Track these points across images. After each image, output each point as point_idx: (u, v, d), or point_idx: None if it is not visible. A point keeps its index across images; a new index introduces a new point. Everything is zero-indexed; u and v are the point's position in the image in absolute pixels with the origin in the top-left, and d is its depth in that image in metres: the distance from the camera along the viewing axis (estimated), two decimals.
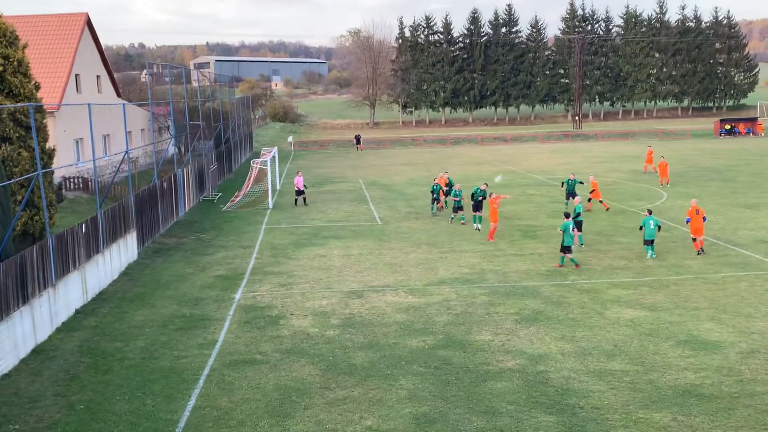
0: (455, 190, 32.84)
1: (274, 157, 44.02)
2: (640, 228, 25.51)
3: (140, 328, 18.72)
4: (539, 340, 17.21)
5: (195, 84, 56.27)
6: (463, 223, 31.81)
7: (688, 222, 25.95)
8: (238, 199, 39.32)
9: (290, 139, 79.31)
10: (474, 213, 30.48)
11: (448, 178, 36.49)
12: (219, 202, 39.97)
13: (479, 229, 29.85)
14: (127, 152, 27.19)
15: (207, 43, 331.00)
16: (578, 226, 26.61)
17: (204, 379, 15.31)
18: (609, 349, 16.52)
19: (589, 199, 34.42)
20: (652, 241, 24.95)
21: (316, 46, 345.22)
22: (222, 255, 27.06)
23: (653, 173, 45.67)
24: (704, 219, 25.59)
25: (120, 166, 29.09)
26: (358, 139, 76.38)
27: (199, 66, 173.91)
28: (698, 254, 25.08)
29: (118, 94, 52.57)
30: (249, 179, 41.27)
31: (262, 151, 46.84)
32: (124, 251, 24.83)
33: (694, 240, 25.47)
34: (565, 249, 23.92)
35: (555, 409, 13.58)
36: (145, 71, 79.86)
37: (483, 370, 15.51)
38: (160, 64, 61.73)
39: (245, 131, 68.99)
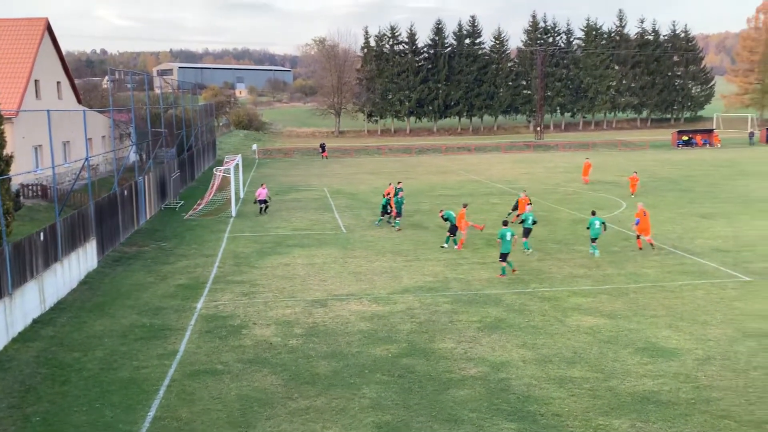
0: (398, 198, 34.16)
1: (237, 165, 43.71)
2: (587, 228, 27.48)
3: (99, 338, 18.41)
4: (501, 348, 17.37)
5: (157, 91, 55.69)
6: (398, 229, 32.71)
7: (637, 223, 28.22)
8: (200, 207, 38.95)
9: (254, 146, 78.86)
10: (448, 234, 29.15)
11: (396, 188, 36.40)
12: (181, 210, 39.54)
13: (444, 247, 29.15)
14: (87, 159, 26.77)
15: (170, 49, 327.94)
16: (526, 232, 27.94)
17: (164, 389, 15.12)
18: (569, 356, 16.74)
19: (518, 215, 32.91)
20: (597, 239, 27.27)
21: (281, 54, 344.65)
22: (183, 264, 26.77)
23: (605, 183, 46.42)
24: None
25: (80, 173, 28.64)
26: (323, 147, 76.39)
27: (162, 73, 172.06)
28: (650, 248, 27.59)
29: (79, 101, 51.73)
30: (212, 187, 40.92)
31: (225, 159, 46.50)
32: (83, 260, 24.41)
33: (638, 237, 28.22)
34: (503, 256, 24.20)
35: (516, 416, 13.71)
36: (106, 78, 78.74)
37: (446, 378, 15.59)
38: (122, 71, 61.04)
39: (208, 139, 68.39)
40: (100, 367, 16.47)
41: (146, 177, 36.37)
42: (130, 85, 41.49)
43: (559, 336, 18.18)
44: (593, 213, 28.14)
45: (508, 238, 24.11)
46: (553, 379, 15.45)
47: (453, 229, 29.02)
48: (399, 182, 38.59)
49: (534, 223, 28.15)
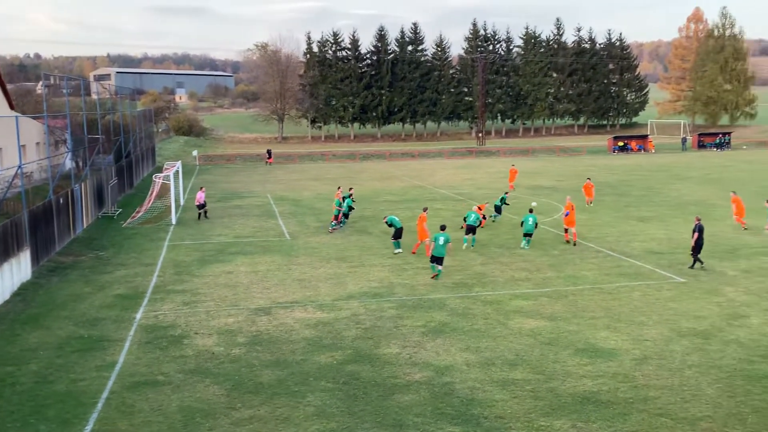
0: (349, 200, 35.68)
1: (177, 171, 42.98)
2: (521, 224, 29.98)
3: (34, 351, 17.81)
4: (445, 352, 17.50)
5: (95, 96, 54.35)
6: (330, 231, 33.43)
7: (566, 215, 30.38)
8: (139, 214, 38.12)
9: (195, 153, 77.66)
10: (394, 239, 29.35)
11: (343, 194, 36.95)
12: (119, 218, 38.63)
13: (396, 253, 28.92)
14: (20, 166, 25.91)
15: (108, 54, 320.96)
16: (473, 230, 29.98)
17: (102, 402, 14.72)
18: (511, 359, 16.99)
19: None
20: (530, 234, 29.59)
21: (222, 59, 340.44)
22: (122, 273, 26.14)
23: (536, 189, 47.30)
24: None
25: (12, 181, 27.69)
26: (269, 153, 76.25)
27: (100, 78, 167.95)
28: (572, 244, 29.88)
29: (11, 106, 50.03)
30: (151, 194, 40.10)
31: (165, 166, 45.65)
32: (16, 270, 23.57)
33: (566, 231, 30.47)
34: (435, 259, 24.53)
35: (460, 419, 13.83)
36: (41, 83, 76.45)
37: (390, 383, 15.63)
38: (58, 76, 59.32)
39: (147, 145, 67.07)
40: (34, 380, 15.93)
41: (83, 184, 35.41)
42: (65, 91, 40.34)
43: (502, 339, 18.43)
44: (530, 210, 30.51)
45: (441, 242, 24.39)
46: (496, 381, 15.65)
47: (398, 234, 29.11)
48: (350, 188, 39.70)
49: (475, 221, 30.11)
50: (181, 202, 43.50)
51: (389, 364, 16.78)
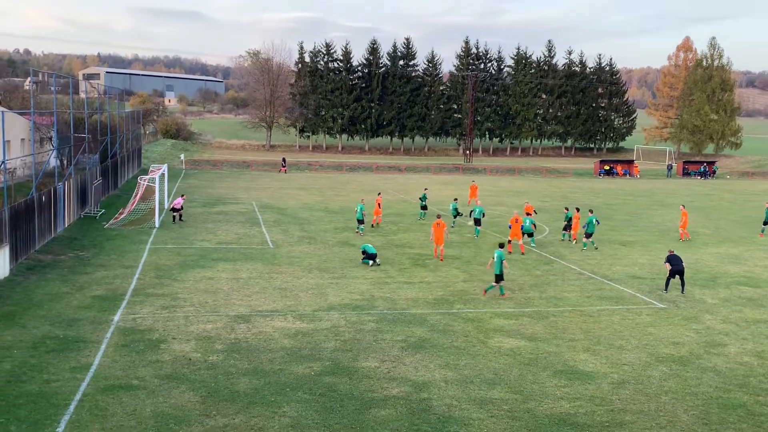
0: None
1: (163, 174, 42.74)
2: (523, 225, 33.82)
3: (8, 350, 17.55)
4: (424, 368, 17.44)
5: (83, 95, 54.04)
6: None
7: (509, 228, 33.38)
8: (122, 216, 37.84)
9: (182, 156, 77.35)
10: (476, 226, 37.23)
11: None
12: (102, 218, 38.30)
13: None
14: (3, 162, 25.67)
15: (99, 54, 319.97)
16: (477, 222, 37.14)
17: (75, 404, 14.51)
18: (490, 378, 16.96)
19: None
20: (531, 234, 34.28)
21: (213, 64, 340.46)
22: (102, 274, 25.88)
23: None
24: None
25: None
26: (284, 161, 76.65)
27: (89, 77, 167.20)
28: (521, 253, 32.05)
29: None
30: (135, 196, 39.83)
31: (150, 168, 45.38)
32: None
33: (509, 242, 32.58)
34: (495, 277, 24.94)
35: None
36: (29, 79, 75.87)
37: (368, 397, 15.53)
38: (46, 72, 58.93)
39: (134, 146, 66.71)
40: (6, 379, 15.68)
41: (66, 183, 35.11)
42: (53, 88, 40.04)
43: (481, 357, 18.40)
44: (528, 214, 36.02)
45: (496, 258, 24.70)
46: (473, 400, 15.60)
47: (371, 256, 29.09)
48: (362, 199, 41.44)
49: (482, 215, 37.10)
50: (165, 205, 43.23)
51: (367, 377, 16.68)
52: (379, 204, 40.01)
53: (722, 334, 21.16)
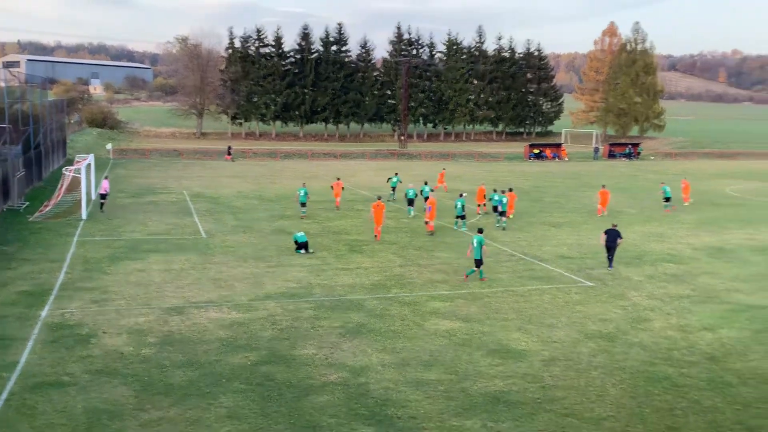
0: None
1: (89, 165, 41.46)
2: (455, 207, 35.50)
3: None
4: (362, 353, 17.57)
5: (2, 83, 51.79)
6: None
7: (429, 210, 33.83)
8: (47, 209, 36.55)
9: (109, 146, 75.06)
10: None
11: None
12: (26, 211, 36.92)
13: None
14: None
15: (18, 41, 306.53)
16: (411, 202, 39.04)
17: (2, 404, 14.06)
18: (426, 360, 17.21)
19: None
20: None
21: (140, 51, 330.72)
22: (27, 269, 25.01)
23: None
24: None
25: None
26: (229, 149, 75.29)
27: (8, 65, 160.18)
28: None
29: None
30: (60, 188, 38.54)
31: (76, 159, 43.98)
32: None
33: (427, 223, 33.80)
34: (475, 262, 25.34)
35: (374, 420, 13.92)
36: None
37: (306, 384, 15.56)
38: None
39: (59, 136, 64.38)
40: None
41: None
42: None
43: (418, 339, 18.65)
44: (461, 195, 36.10)
45: (475, 244, 24.92)
46: (410, 382, 15.82)
47: (302, 246, 29.06)
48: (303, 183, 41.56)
49: (415, 196, 38.84)
50: (93, 196, 41.98)
51: (305, 365, 16.70)
52: (342, 188, 41.70)
53: (648, 310, 22.01)
